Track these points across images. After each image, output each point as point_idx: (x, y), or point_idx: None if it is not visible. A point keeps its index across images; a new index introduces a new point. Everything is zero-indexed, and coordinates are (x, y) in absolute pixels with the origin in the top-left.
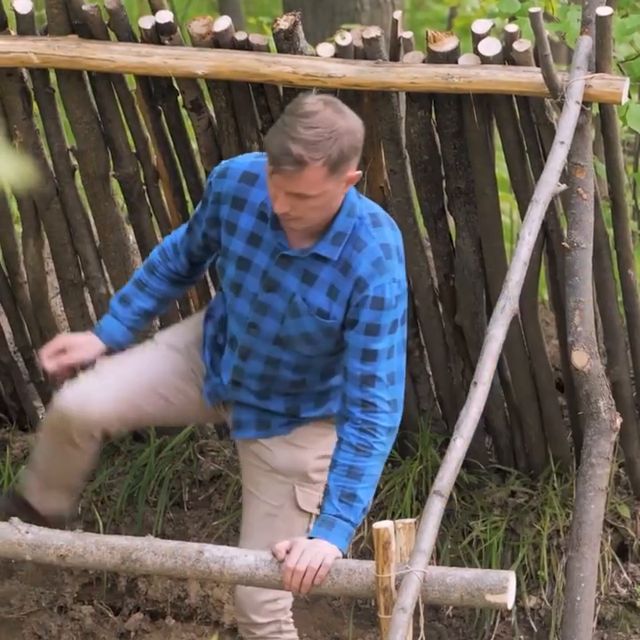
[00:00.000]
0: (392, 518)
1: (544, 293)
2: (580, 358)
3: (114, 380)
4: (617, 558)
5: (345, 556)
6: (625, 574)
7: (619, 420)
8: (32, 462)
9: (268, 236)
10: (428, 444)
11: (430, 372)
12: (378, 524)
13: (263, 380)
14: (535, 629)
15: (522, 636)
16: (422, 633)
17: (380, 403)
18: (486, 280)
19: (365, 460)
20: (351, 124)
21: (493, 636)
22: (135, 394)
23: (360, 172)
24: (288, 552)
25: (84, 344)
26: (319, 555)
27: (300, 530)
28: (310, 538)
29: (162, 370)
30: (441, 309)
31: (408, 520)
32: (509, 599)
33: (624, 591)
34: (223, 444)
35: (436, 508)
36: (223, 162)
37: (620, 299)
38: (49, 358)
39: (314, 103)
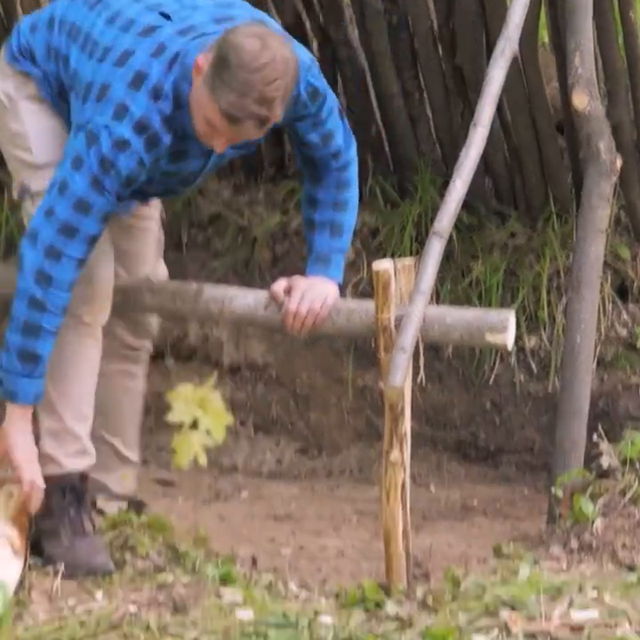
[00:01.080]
0: (392, 259)
1: (544, 36)
2: (580, 100)
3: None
4: (617, 299)
5: (343, 295)
6: (625, 315)
7: (619, 162)
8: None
9: (193, 145)
10: (428, 186)
11: (430, 114)
12: (377, 265)
13: None
14: (535, 370)
15: (521, 377)
16: (422, 372)
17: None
18: (486, 22)
19: (345, 191)
20: (286, 43)
21: (493, 377)
22: None
23: None
24: (287, 293)
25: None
26: (320, 296)
27: None
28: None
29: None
30: (440, 51)
31: (408, 261)
32: (509, 339)
33: (624, 332)
34: (222, 186)
35: (435, 249)
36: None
37: (620, 40)
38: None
39: (257, 47)
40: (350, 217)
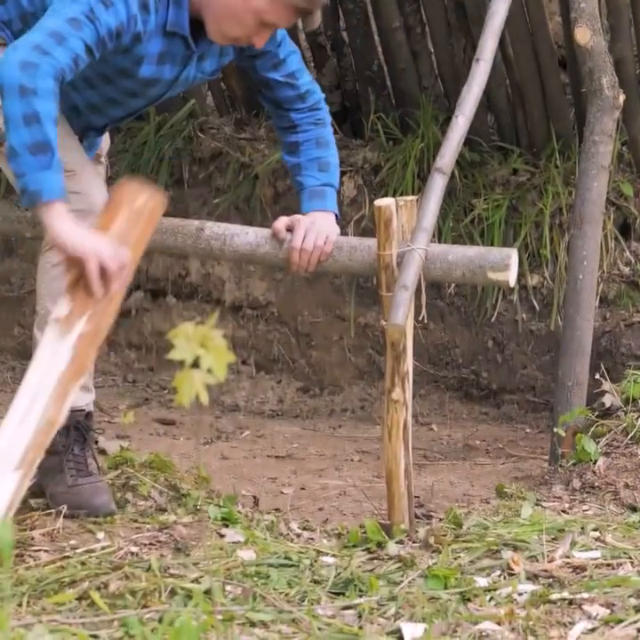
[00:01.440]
0: (394, 196)
1: None
2: (582, 34)
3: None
4: (620, 237)
5: (345, 233)
6: (628, 253)
7: (622, 97)
8: None
9: (177, 47)
10: (430, 122)
11: (432, 49)
12: (379, 202)
13: None
14: (537, 308)
15: (524, 315)
16: (424, 311)
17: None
18: None
19: (323, 128)
20: None
21: (495, 314)
22: None
23: None
24: (289, 231)
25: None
26: (323, 231)
27: None
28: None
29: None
30: None
31: (410, 197)
32: (512, 277)
33: (626, 270)
34: (223, 122)
35: (437, 186)
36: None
37: None
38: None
39: None
40: (334, 156)
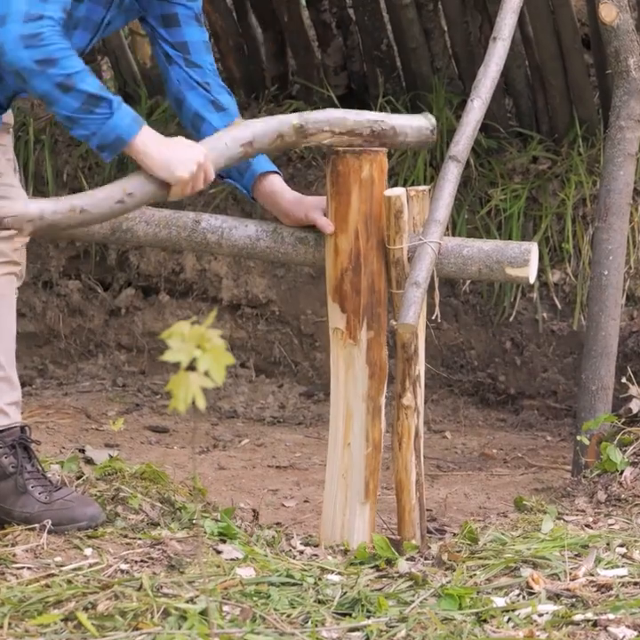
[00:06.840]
0: (404, 186)
1: None
2: (608, 11)
3: None
4: None
5: None
6: None
7: None
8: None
9: None
10: (444, 106)
11: (445, 27)
12: (389, 192)
13: None
14: (559, 306)
15: (545, 314)
16: (437, 310)
17: None
18: None
19: None
20: None
21: (514, 313)
22: None
23: None
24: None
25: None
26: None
27: None
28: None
29: None
30: None
31: (422, 187)
32: (531, 273)
33: None
34: None
35: (451, 175)
36: None
37: None
38: None
39: None
40: None
